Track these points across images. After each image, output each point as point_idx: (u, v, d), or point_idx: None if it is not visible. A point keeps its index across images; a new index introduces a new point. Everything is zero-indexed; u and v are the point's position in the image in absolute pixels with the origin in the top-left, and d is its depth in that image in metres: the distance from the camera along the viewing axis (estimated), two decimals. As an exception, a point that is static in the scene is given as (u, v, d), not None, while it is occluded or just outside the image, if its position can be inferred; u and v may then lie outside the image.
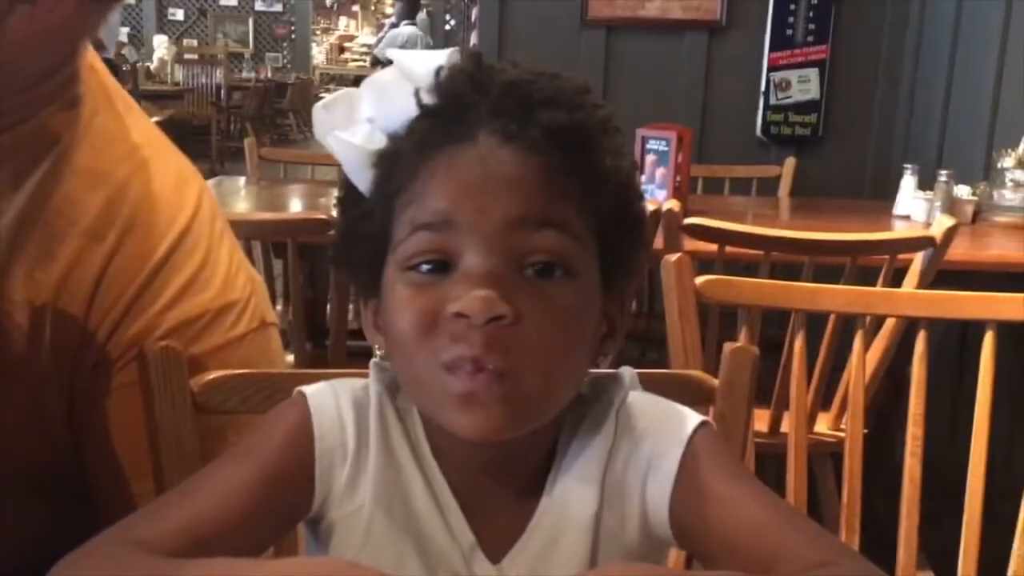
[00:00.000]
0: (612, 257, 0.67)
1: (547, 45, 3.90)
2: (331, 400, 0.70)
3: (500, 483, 0.69)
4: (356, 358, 2.22)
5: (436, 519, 0.68)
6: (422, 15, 9.12)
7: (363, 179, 0.67)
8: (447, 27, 10.37)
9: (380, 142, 0.66)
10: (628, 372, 0.74)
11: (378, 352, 0.72)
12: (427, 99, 0.65)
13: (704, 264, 2.08)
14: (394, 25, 8.24)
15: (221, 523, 0.63)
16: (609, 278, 0.68)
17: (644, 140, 2.85)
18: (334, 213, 0.75)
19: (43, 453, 0.91)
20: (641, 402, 0.73)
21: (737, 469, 0.70)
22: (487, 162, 0.62)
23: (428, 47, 8.80)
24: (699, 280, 1.41)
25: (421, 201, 0.63)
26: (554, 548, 0.68)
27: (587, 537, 0.68)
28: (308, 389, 0.71)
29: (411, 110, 0.65)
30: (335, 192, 0.75)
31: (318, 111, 0.68)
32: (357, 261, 0.69)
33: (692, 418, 0.71)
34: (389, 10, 17.35)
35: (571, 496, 0.69)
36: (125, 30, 14.15)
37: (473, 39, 6.69)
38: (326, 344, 2.31)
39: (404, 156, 0.65)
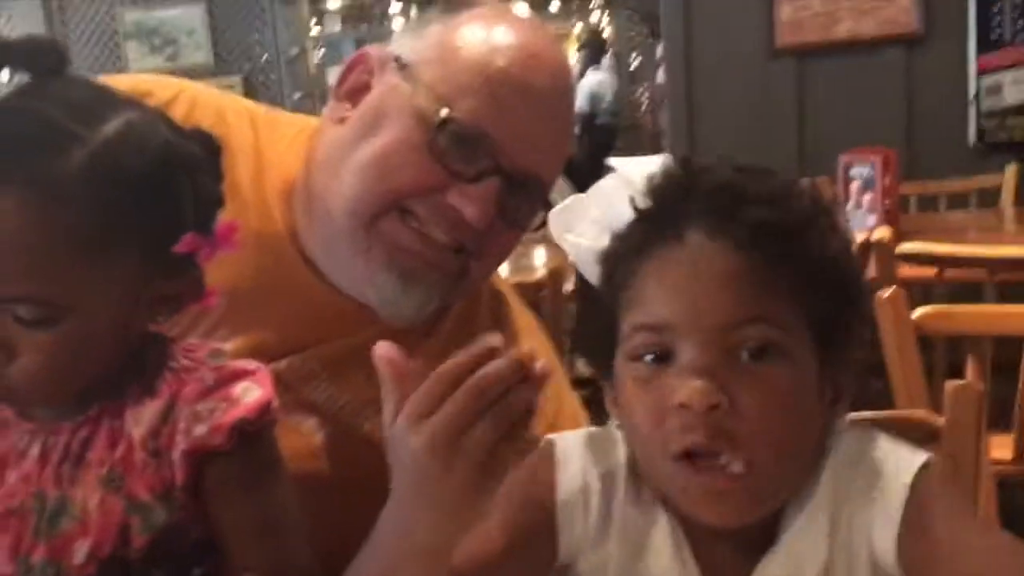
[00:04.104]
0: (830, 330, 0.71)
1: (735, 78, 3.89)
2: (577, 453, 0.77)
3: (732, 539, 0.73)
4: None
5: (675, 569, 0.73)
6: (607, 59, 9.21)
7: (592, 274, 0.76)
8: (631, 67, 10.45)
9: (606, 242, 0.74)
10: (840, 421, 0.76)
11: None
12: (641, 203, 0.72)
13: (926, 288, 2.03)
14: (580, 75, 8.37)
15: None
16: (828, 349, 0.71)
17: (847, 167, 2.79)
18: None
19: None
20: (860, 443, 0.75)
21: (964, 512, 0.71)
22: (697, 263, 0.68)
23: (614, 89, 8.89)
24: (917, 313, 1.40)
25: (640, 303, 0.70)
26: None
27: None
28: (557, 442, 0.78)
29: (631, 214, 0.72)
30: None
31: (553, 215, 0.78)
32: (592, 348, 0.77)
33: (914, 459, 0.72)
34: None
35: (800, 545, 0.72)
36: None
37: (659, 76, 6.74)
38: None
39: (623, 257, 0.72)
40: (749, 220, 0.67)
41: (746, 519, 0.69)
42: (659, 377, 0.69)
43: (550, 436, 0.79)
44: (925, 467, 0.72)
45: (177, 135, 0.75)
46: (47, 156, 0.68)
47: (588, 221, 0.76)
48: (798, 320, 0.69)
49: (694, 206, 0.70)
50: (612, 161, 0.77)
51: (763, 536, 0.73)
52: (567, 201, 0.78)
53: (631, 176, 0.74)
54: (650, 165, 0.73)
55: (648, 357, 0.70)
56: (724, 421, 0.66)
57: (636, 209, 0.72)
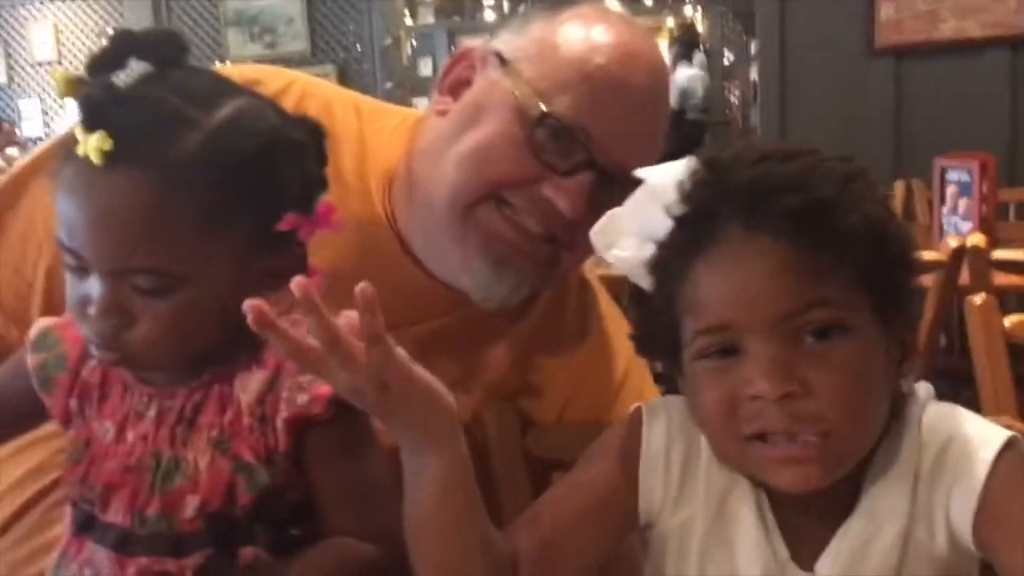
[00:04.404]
0: (886, 293, 0.72)
1: (831, 77, 3.83)
2: (663, 416, 0.80)
3: (814, 502, 0.75)
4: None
5: (758, 530, 0.76)
6: (699, 54, 9.10)
7: (644, 282, 0.78)
8: (725, 62, 10.30)
9: (650, 249, 0.77)
10: (924, 387, 0.78)
11: None
12: (676, 211, 0.74)
13: (1021, 298, 1.98)
14: (671, 69, 8.28)
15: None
16: (888, 311, 0.72)
17: (944, 171, 2.73)
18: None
19: None
20: (942, 416, 0.76)
21: None
22: (742, 261, 0.70)
23: (705, 85, 8.78)
24: (1009, 320, 1.37)
25: (696, 308, 0.72)
26: (864, 556, 0.73)
27: (896, 548, 0.73)
28: (645, 406, 0.82)
29: (667, 221, 0.75)
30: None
31: (594, 235, 0.81)
32: (658, 350, 0.80)
33: (998, 435, 0.73)
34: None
35: (881, 508, 0.74)
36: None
37: (753, 74, 6.64)
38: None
39: (671, 264, 0.74)
40: (782, 209, 0.69)
41: (822, 484, 0.71)
42: (729, 369, 0.71)
43: (639, 403, 0.83)
44: (1010, 444, 0.72)
45: (284, 121, 0.80)
46: (166, 139, 0.73)
47: (626, 235, 0.79)
48: (853, 291, 0.71)
49: (727, 205, 0.71)
50: (639, 172, 0.79)
51: (845, 499, 0.75)
52: (604, 218, 0.81)
53: (657, 185, 0.76)
54: (675, 171, 0.75)
55: (714, 354, 0.72)
56: (799, 404, 0.69)
57: (673, 217, 0.74)
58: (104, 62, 0.75)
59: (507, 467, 1.05)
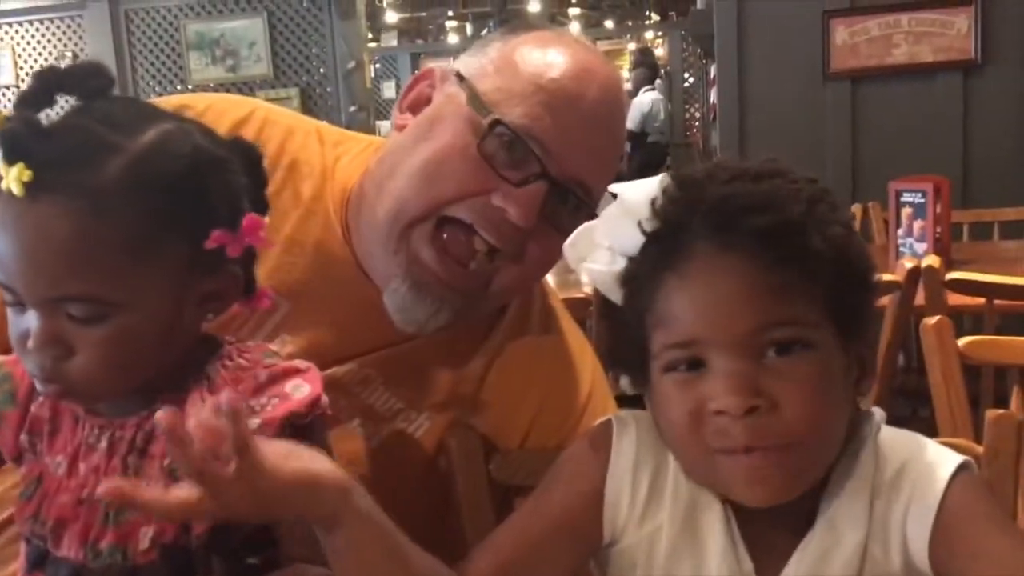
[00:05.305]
0: (848, 312, 0.74)
1: (788, 100, 3.89)
2: (632, 430, 0.81)
3: (778, 516, 0.76)
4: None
5: (723, 543, 0.77)
6: (659, 79, 9.22)
7: (615, 295, 0.79)
8: (685, 84, 10.43)
9: (622, 263, 0.78)
10: (878, 411, 0.80)
11: None
12: (648, 227, 0.75)
13: (976, 317, 2.01)
14: (632, 94, 8.38)
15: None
16: (849, 330, 0.74)
17: (899, 193, 2.78)
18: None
19: None
20: (898, 438, 0.78)
21: (997, 518, 0.73)
22: (711, 278, 0.72)
23: (666, 108, 8.89)
24: (963, 342, 1.40)
25: (665, 323, 0.74)
26: (824, 569, 0.75)
27: (856, 559, 0.74)
28: (615, 418, 0.82)
29: (639, 236, 0.76)
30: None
31: (567, 248, 0.83)
32: (626, 363, 0.81)
33: (952, 459, 0.75)
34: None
35: (840, 520, 0.75)
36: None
37: (712, 96, 6.73)
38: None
39: (642, 279, 0.76)
40: (750, 229, 0.71)
41: (786, 497, 0.72)
42: (695, 383, 0.73)
43: (609, 415, 0.84)
44: (964, 467, 0.74)
45: (211, 141, 0.80)
46: (88, 166, 0.73)
47: (598, 248, 0.80)
48: (817, 310, 0.72)
49: (697, 223, 0.73)
50: (613, 187, 0.80)
51: (806, 512, 0.76)
52: (578, 231, 0.82)
53: (630, 200, 0.77)
54: (648, 187, 0.77)
55: (682, 367, 0.73)
56: (763, 419, 0.70)
57: (645, 232, 0.75)
58: (31, 99, 0.75)
59: (470, 493, 1.05)
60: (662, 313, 0.74)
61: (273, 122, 1.09)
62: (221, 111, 1.03)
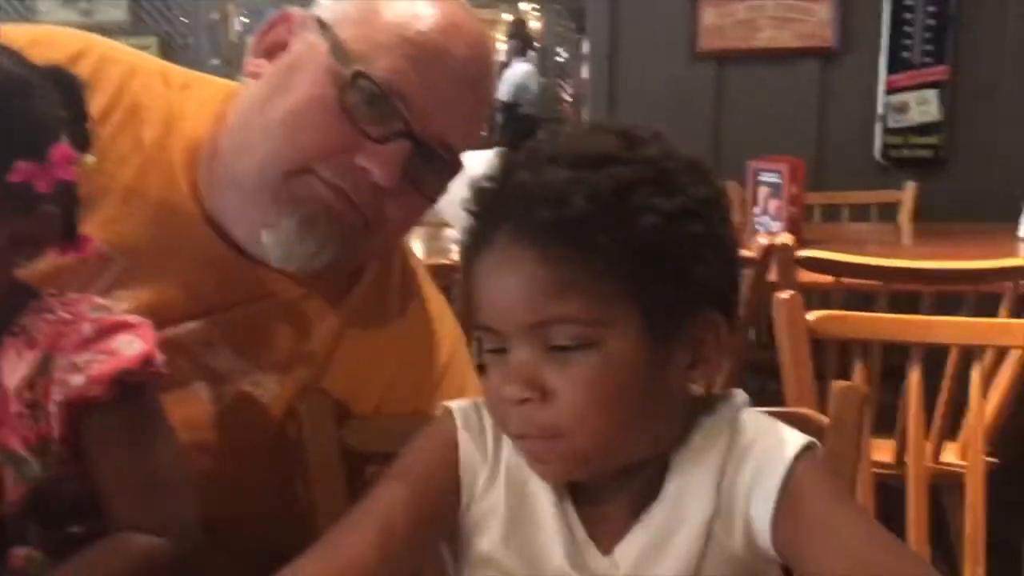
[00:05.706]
0: (659, 309, 0.71)
1: (657, 78, 3.95)
2: (474, 412, 0.81)
3: (614, 486, 0.76)
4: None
5: (555, 513, 0.76)
6: (532, 51, 9.25)
7: None
8: (559, 59, 10.50)
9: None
10: (741, 394, 0.80)
11: None
12: (467, 206, 0.75)
13: (823, 295, 2.09)
14: (505, 64, 8.39)
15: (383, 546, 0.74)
16: (662, 325, 0.71)
17: (756, 173, 2.87)
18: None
19: None
20: (751, 420, 0.78)
21: (840, 496, 0.74)
22: (503, 266, 0.71)
23: (539, 81, 8.94)
24: (811, 316, 1.44)
25: (475, 304, 0.74)
26: (665, 545, 0.75)
27: (698, 539, 0.74)
28: (454, 405, 0.82)
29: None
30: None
31: (441, 205, 0.82)
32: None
33: (796, 440, 0.75)
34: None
35: (686, 500, 0.75)
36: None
37: (584, 72, 6.80)
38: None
39: (464, 256, 0.76)
40: (538, 222, 0.69)
41: (577, 476, 0.75)
42: (496, 366, 0.74)
43: (447, 403, 0.82)
44: (808, 447, 0.75)
45: (16, 64, 0.73)
46: None
47: (451, 218, 0.80)
48: (610, 307, 0.70)
49: (501, 209, 0.72)
50: (465, 156, 0.79)
51: (649, 487, 0.76)
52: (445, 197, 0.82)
53: (470, 173, 0.77)
54: (485, 161, 0.75)
55: (488, 347, 0.74)
56: (533, 411, 0.71)
57: (466, 210, 0.75)
58: None
59: (321, 461, 1.01)
60: (473, 293, 0.74)
61: (113, 60, 1.00)
62: (50, 44, 0.94)
